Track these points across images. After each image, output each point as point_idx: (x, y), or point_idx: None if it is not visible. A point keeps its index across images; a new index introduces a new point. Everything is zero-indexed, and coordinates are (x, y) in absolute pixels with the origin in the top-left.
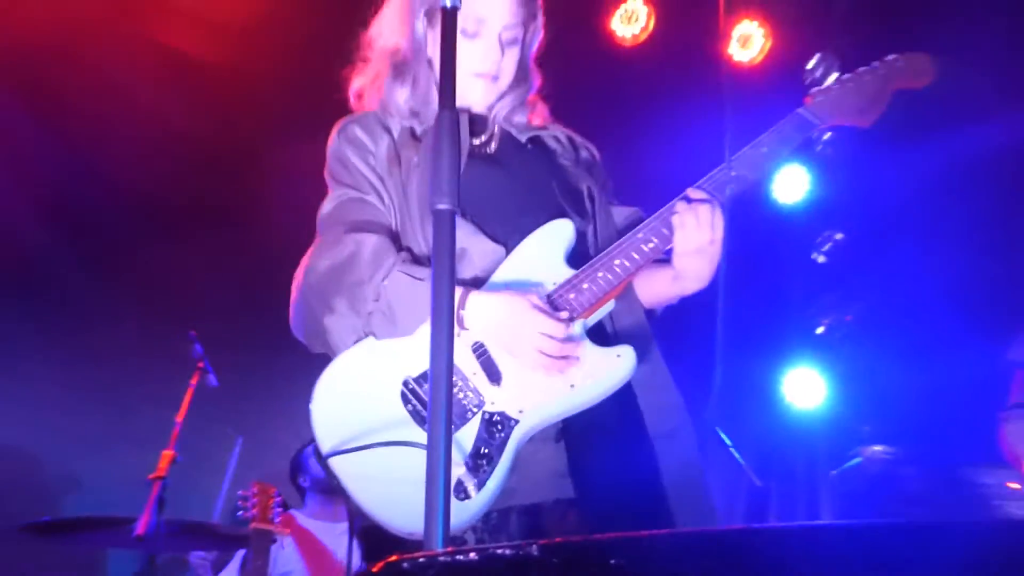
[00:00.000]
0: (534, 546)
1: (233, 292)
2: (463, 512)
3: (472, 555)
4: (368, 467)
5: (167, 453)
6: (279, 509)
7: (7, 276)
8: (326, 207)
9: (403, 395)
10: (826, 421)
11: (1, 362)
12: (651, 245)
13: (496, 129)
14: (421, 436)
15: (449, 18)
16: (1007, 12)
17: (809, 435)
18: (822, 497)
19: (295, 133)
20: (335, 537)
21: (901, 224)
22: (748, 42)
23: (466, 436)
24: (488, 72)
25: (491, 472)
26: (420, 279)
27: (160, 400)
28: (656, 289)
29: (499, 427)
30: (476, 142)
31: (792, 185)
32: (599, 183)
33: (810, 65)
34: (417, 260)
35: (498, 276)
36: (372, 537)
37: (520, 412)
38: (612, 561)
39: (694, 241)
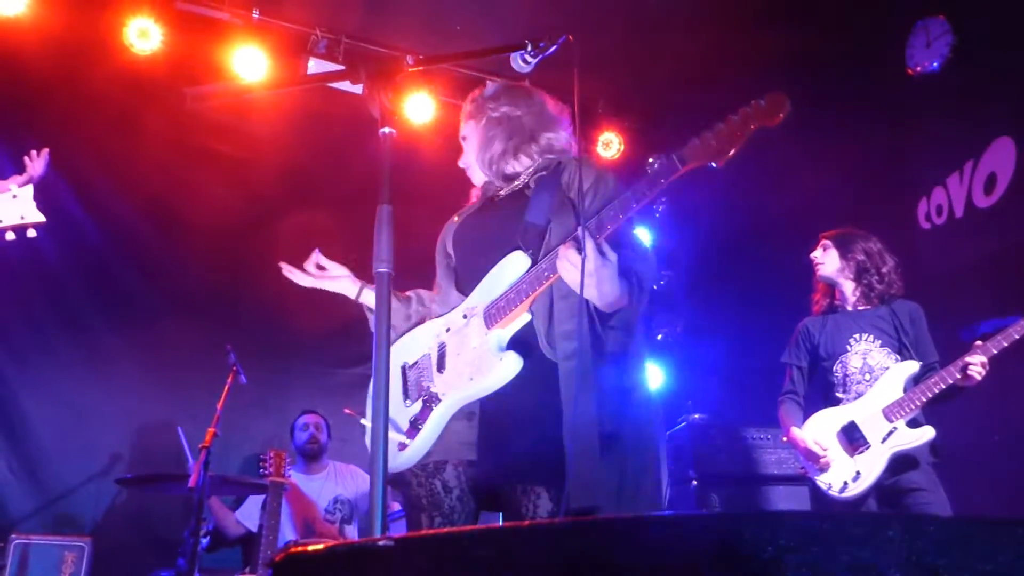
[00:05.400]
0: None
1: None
2: (399, 459)
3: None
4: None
5: (211, 430)
6: (290, 468)
7: (110, 307)
8: None
9: (400, 373)
10: (663, 397)
11: (105, 368)
12: (546, 275)
13: (485, 192)
14: (398, 407)
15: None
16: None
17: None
18: (660, 449)
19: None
20: (311, 485)
21: (707, 268)
22: (609, 145)
23: (415, 407)
24: (463, 165)
25: (417, 434)
26: (370, 312)
27: (209, 392)
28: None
29: (431, 402)
30: (494, 198)
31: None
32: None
33: (650, 160)
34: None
35: (470, 299)
36: None
37: (443, 394)
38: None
39: (569, 277)
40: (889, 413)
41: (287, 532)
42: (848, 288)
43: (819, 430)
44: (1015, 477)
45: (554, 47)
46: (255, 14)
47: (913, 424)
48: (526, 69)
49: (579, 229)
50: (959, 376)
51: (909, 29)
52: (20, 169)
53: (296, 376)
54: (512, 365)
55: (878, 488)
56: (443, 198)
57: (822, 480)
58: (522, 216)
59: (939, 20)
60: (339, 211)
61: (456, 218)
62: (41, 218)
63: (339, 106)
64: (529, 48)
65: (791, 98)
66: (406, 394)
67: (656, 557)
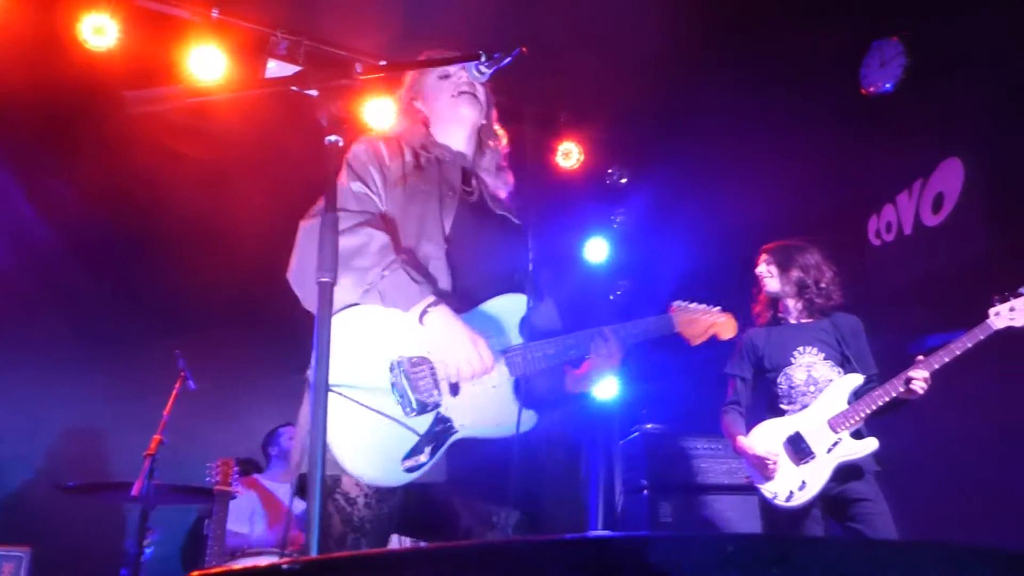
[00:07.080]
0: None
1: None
2: (404, 475)
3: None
4: (345, 416)
5: (156, 437)
6: (236, 476)
7: (59, 308)
8: (344, 187)
9: (392, 367)
10: (618, 407)
11: (52, 373)
12: (573, 352)
13: (479, 188)
14: (391, 406)
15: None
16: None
17: (607, 416)
18: (615, 457)
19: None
20: (287, 494)
21: (662, 279)
22: (568, 155)
23: (421, 424)
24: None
25: (432, 457)
26: (417, 281)
27: (156, 397)
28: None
29: (445, 427)
30: (467, 189)
31: (597, 250)
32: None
33: (609, 171)
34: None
35: (467, 319)
36: (301, 480)
37: (462, 425)
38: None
39: (602, 362)
40: (834, 424)
41: (263, 532)
42: (791, 303)
43: (766, 440)
44: (959, 488)
45: (508, 59)
46: (214, 12)
47: (857, 435)
48: (481, 79)
49: (625, 326)
50: (902, 389)
51: (864, 49)
52: None
53: (248, 382)
54: (530, 422)
55: (823, 497)
56: None
57: (767, 489)
58: (516, 247)
59: (892, 42)
60: (301, 216)
61: (422, 187)
62: None
63: (304, 108)
64: (483, 59)
65: (745, 113)
66: (401, 390)
67: None
